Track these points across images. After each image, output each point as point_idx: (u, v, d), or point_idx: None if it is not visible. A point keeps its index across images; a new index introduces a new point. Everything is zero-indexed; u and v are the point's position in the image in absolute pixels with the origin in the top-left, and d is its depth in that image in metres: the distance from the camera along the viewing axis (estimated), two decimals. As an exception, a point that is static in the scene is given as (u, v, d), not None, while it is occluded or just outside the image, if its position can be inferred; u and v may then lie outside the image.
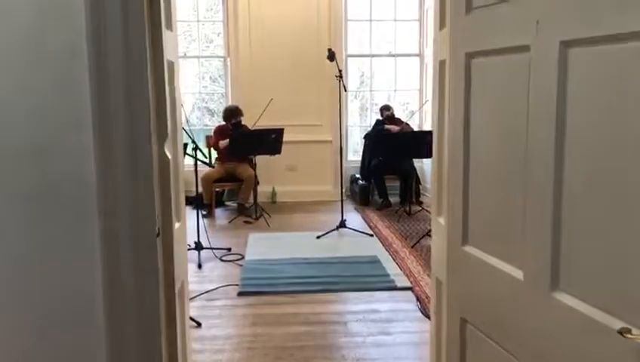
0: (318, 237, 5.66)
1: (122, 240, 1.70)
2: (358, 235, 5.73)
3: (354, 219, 6.51)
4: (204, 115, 9.99)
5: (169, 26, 1.96)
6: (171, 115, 2.00)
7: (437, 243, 2.12)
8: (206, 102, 10.38)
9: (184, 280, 2.13)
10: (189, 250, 5.15)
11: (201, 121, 9.28)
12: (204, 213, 6.82)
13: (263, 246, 5.44)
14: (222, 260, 5.03)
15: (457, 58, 1.75)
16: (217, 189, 7.02)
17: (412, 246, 5.29)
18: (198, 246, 5.05)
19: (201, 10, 9.51)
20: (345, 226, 5.86)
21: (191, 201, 7.39)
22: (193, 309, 3.91)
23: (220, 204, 7.41)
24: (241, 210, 6.80)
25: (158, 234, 1.80)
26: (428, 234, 5.37)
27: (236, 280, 4.45)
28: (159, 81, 1.81)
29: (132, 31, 1.68)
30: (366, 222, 6.45)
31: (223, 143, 6.68)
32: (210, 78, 10.85)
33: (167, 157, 1.84)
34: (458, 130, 1.77)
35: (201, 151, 5.02)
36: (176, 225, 2.00)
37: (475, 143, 1.71)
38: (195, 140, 5.02)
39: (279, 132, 6.42)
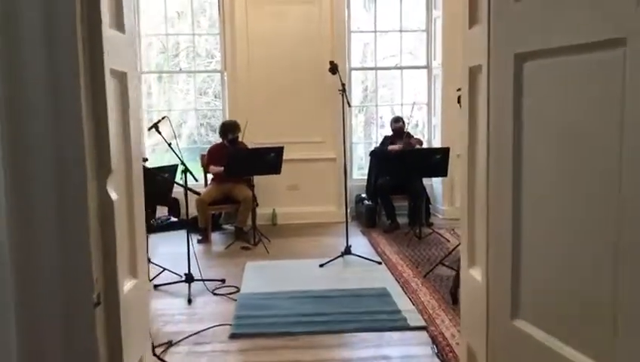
0: (321, 265, 5.17)
1: (46, 317, 1.24)
2: (364, 263, 5.23)
3: (360, 243, 6.03)
4: (208, 133, 9.60)
5: (119, 27, 1.51)
6: (123, 140, 1.54)
7: (469, 302, 1.64)
8: (209, 119, 9.99)
9: (144, 356, 1.65)
10: (179, 282, 4.71)
11: (205, 139, 8.90)
12: (199, 238, 6.36)
13: (261, 276, 4.96)
14: (214, 294, 4.54)
15: (502, 61, 1.28)
16: (213, 212, 6.55)
17: (424, 276, 4.79)
18: (189, 278, 4.57)
19: (205, 25, 9.17)
20: (350, 253, 5.37)
21: (183, 226, 6.94)
22: (178, 356, 3.43)
23: (217, 226, 6.95)
24: (239, 235, 6.32)
25: (97, 304, 1.33)
26: (442, 262, 4.87)
27: (229, 319, 3.96)
28: (99, 98, 1.34)
29: (59, 32, 1.23)
30: (373, 246, 5.96)
31: (214, 169, 6.25)
32: (213, 93, 10.49)
33: (110, 197, 1.38)
34: (504, 156, 1.31)
35: (191, 173, 4.55)
36: (129, 285, 1.52)
37: (531, 174, 1.24)
38: (185, 161, 4.56)
39: (279, 150, 5.96)
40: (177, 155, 4.54)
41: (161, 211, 7.04)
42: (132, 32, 1.64)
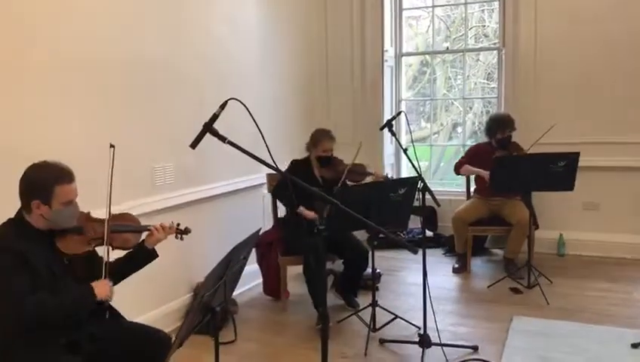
0: (634, 345, 3.27)
1: None
2: None
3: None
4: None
5: None
6: None
7: None
8: (494, 106, 8.57)
9: None
10: (411, 343, 3.40)
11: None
12: (455, 266, 4.95)
13: (532, 349, 3.31)
14: (458, 370, 3.11)
15: None
16: (475, 234, 5.01)
17: None
18: (424, 342, 3.21)
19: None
20: (687, 328, 3.34)
21: (439, 244, 5.62)
22: None
23: (481, 250, 5.42)
24: (508, 269, 4.70)
25: None
26: None
27: None
28: None
29: None
30: None
31: (469, 169, 4.76)
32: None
33: None
34: None
35: (431, 194, 3.14)
36: None
37: None
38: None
39: (572, 158, 4.14)
40: (414, 166, 3.19)
41: (415, 223, 5.79)
42: None
